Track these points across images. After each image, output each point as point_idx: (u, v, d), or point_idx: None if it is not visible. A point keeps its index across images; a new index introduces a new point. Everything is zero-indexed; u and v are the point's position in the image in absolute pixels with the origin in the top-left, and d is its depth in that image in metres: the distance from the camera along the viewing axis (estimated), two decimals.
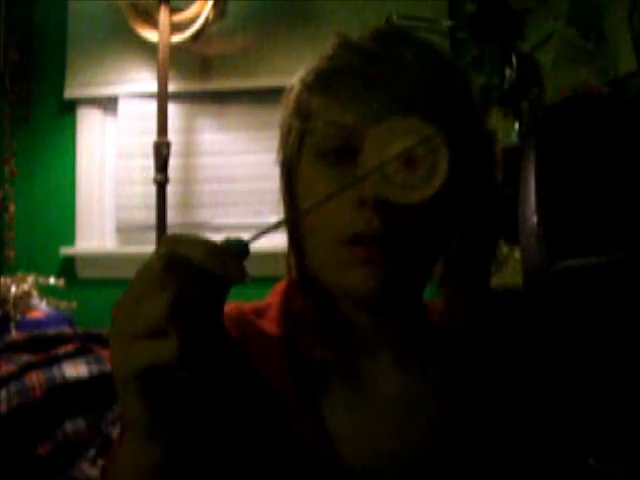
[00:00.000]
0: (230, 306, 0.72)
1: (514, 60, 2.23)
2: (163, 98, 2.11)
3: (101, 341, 1.74)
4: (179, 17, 2.16)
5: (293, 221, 0.70)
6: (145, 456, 0.50)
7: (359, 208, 0.60)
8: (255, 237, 0.48)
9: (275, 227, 0.51)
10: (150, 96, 2.28)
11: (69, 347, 1.66)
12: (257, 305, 0.73)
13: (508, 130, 2.21)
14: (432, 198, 0.61)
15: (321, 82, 0.65)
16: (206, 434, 0.59)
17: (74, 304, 2.04)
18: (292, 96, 0.68)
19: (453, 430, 0.66)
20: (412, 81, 0.61)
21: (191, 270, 0.45)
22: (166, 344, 0.44)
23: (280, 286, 0.74)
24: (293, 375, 0.67)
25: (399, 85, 0.60)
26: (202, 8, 2.14)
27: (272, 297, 0.74)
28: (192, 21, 2.16)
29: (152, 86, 2.22)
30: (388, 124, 0.56)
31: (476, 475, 0.65)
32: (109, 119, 2.51)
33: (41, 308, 2.06)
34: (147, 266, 0.46)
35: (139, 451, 0.50)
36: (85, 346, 1.69)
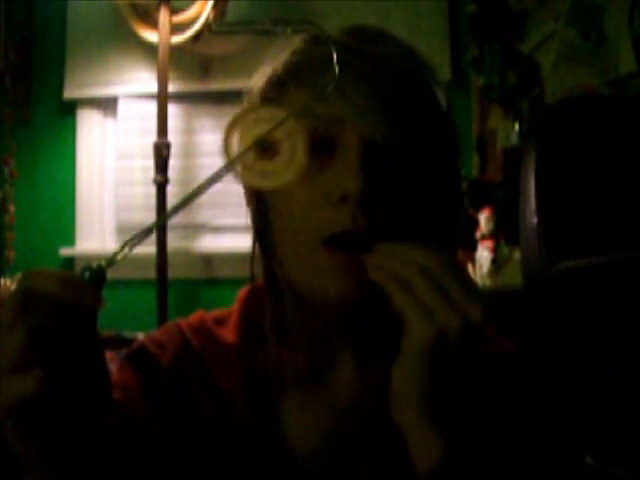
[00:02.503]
0: (195, 314, 0.73)
1: (514, 61, 2.23)
2: (163, 99, 2.11)
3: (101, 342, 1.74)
4: (179, 18, 2.16)
5: (261, 222, 0.68)
6: None
7: (340, 204, 0.59)
8: (110, 263, 0.49)
9: (131, 246, 0.50)
10: (150, 97, 2.28)
11: None
12: (220, 313, 0.73)
13: (508, 131, 2.21)
14: (414, 190, 0.61)
15: (290, 75, 0.64)
16: (135, 449, 0.59)
17: None
18: (256, 93, 0.67)
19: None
20: (389, 73, 0.60)
21: (45, 302, 0.45)
22: (28, 378, 0.44)
23: (242, 292, 0.73)
24: (248, 384, 0.66)
25: (377, 76, 0.59)
26: (202, 9, 2.14)
27: (236, 304, 0.73)
28: (192, 22, 2.15)
29: (152, 87, 2.22)
30: (249, 114, 0.56)
31: None
32: (109, 120, 2.51)
33: None
34: (6, 303, 0.46)
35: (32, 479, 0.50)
36: None
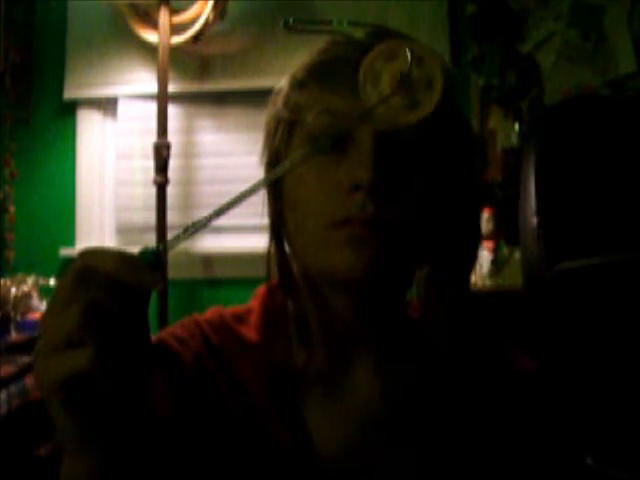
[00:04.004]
0: (211, 311, 0.73)
1: (514, 61, 2.23)
2: (163, 99, 2.11)
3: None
4: (179, 18, 2.16)
5: (277, 217, 0.69)
6: (79, 467, 0.50)
7: (352, 193, 0.60)
8: (170, 245, 0.50)
9: (190, 233, 0.51)
10: (150, 97, 2.28)
11: None
12: (238, 310, 0.73)
13: (508, 131, 2.21)
14: (424, 179, 0.62)
15: (312, 74, 0.65)
16: (158, 445, 0.60)
17: None
18: (281, 93, 0.68)
19: (435, 436, 0.65)
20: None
21: (103, 279, 0.46)
22: (82, 354, 0.44)
23: (260, 290, 0.74)
24: (271, 381, 0.66)
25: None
26: (202, 9, 2.14)
27: (253, 301, 0.73)
28: (192, 22, 2.16)
29: (152, 87, 2.22)
30: (376, 49, 0.56)
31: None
32: (109, 120, 2.51)
33: (41, 309, 2.06)
34: (62, 280, 0.47)
35: (73, 462, 0.51)
36: None
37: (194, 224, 0.51)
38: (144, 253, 0.49)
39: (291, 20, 0.62)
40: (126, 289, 0.46)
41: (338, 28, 0.60)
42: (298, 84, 0.66)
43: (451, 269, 0.67)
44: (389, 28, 0.66)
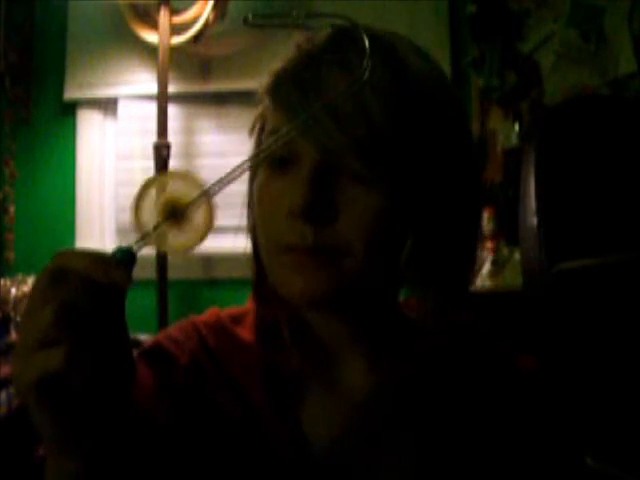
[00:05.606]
0: (209, 312, 0.73)
1: (514, 61, 2.23)
2: (163, 99, 2.11)
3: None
4: (179, 19, 2.16)
5: (254, 228, 0.69)
6: (61, 469, 0.50)
7: (291, 219, 0.59)
8: (140, 244, 0.51)
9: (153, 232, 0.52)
10: (150, 97, 2.28)
11: None
12: (235, 311, 0.73)
13: (508, 131, 2.21)
14: (378, 205, 0.59)
15: (271, 87, 0.65)
16: (155, 446, 0.60)
17: None
18: (260, 94, 0.68)
19: (431, 432, 0.65)
20: (348, 84, 0.56)
21: (76, 279, 0.46)
22: (56, 353, 0.44)
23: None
24: (267, 381, 0.67)
25: (332, 90, 0.58)
26: (202, 9, 2.14)
27: (250, 303, 0.74)
28: (192, 22, 2.16)
29: (152, 87, 2.22)
30: (153, 179, 0.57)
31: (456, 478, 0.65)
32: (109, 120, 2.51)
33: None
34: (37, 281, 0.47)
35: (54, 462, 0.50)
36: None
37: (163, 222, 0.52)
38: (117, 252, 0.50)
39: (250, 16, 0.61)
40: (98, 288, 0.46)
41: (295, 21, 0.60)
42: (264, 92, 0.67)
43: (450, 270, 0.67)
44: (350, 22, 0.63)
